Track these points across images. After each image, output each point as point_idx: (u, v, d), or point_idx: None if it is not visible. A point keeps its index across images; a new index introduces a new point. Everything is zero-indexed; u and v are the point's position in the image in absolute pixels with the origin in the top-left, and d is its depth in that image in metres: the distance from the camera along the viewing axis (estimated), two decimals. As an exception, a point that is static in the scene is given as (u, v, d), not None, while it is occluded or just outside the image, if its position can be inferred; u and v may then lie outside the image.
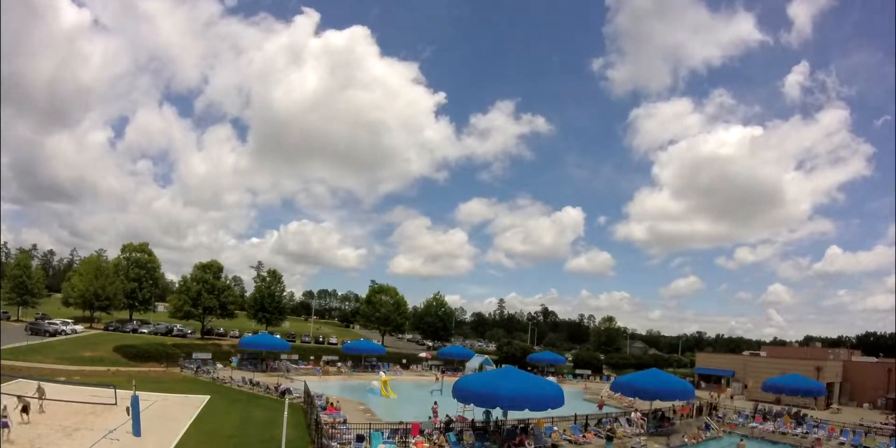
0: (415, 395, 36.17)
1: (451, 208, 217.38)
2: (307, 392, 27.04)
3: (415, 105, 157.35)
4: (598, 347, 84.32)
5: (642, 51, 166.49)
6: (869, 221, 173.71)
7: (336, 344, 63.98)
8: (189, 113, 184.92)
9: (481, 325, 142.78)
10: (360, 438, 19.12)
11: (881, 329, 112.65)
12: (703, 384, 51.74)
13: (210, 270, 59.03)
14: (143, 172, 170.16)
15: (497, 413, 22.16)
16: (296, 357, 46.02)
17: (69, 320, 51.99)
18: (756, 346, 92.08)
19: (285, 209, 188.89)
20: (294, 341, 60.57)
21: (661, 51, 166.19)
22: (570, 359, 69.91)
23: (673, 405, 30.13)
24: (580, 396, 40.52)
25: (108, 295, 55.58)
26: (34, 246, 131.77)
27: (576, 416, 25.61)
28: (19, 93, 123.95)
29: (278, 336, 51.05)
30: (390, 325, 72.39)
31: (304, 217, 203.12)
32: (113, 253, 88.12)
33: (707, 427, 28.37)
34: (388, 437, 19.79)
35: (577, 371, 60.23)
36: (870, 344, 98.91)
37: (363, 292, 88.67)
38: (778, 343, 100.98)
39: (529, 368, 50.70)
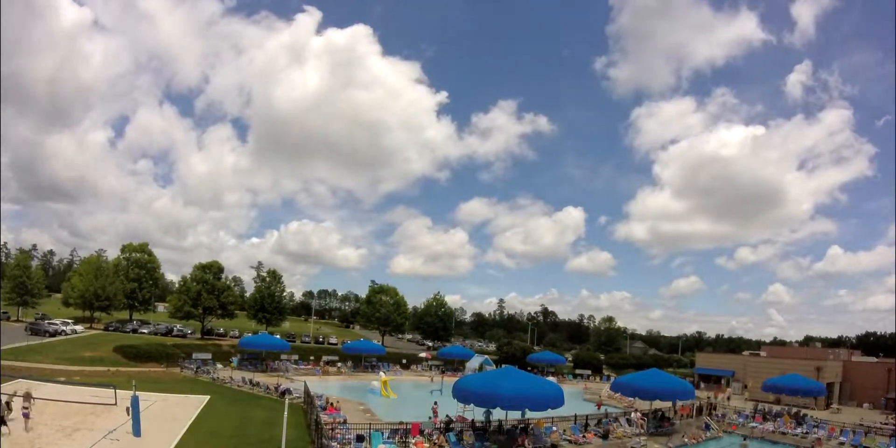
0: (415, 395, 36.22)
1: (452, 208, 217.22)
2: (307, 392, 27.03)
3: (416, 104, 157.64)
4: (598, 347, 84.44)
5: (645, 50, 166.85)
6: (870, 221, 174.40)
7: (336, 344, 63.97)
8: (189, 112, 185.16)
9: (481, 326, 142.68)
10: (360, 438, 19.12)
11: (881, 329, 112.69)
12: (702, 384, 51.74)
13: (210, 271, 59.08)
14: (143, 172, 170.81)
15: (497, 413, 22.15)
16: (296, 357, 46.04)
17: (69, 320, 51.93)
18: (756, 346, 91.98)
19: (285, 209, 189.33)
20: (294, 341, 60.57)
21: (664, 50, 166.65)
22: (570, 359, 69.94)
23: (673, 405, 30.13)
24: (580, 396, 40.54)
25: (108, 295, 55.57)
26: (34, 246, 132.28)
27: (576, 416, 25.63)
28: (19, 92, 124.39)
29: (278, 336, 51.08)
30: (390, 326, 72.42)
31: (304, 217, 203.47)
32: (113, 253, 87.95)
33: (707, 427, 28.39)
34: (388, 438, 19.79)
35: (577, 371, 60.27)
36: (870, 344, 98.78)
37: (363, 292, 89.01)
38: (778, 343, 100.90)
39: (529, 368, 50.67)
